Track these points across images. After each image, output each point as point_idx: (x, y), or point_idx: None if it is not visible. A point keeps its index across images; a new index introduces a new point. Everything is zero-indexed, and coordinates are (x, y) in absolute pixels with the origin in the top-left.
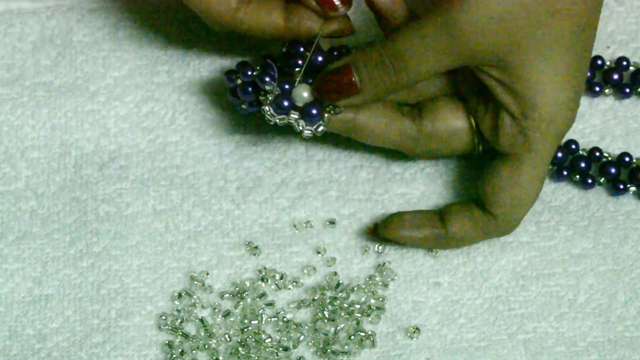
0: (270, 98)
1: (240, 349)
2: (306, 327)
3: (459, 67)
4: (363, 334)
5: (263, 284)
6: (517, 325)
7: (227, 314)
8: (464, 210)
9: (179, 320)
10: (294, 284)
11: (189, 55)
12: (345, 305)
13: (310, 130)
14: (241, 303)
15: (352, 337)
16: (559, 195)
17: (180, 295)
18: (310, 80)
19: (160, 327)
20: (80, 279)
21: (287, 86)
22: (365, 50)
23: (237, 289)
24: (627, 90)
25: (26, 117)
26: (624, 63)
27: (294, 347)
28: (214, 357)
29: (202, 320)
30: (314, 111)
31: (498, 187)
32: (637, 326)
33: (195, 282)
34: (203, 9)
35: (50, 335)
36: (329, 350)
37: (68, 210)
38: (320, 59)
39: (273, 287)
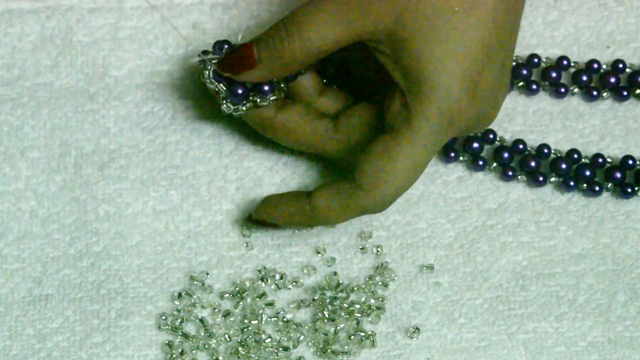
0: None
1: (240, 349)
2: (306, 327)
3: (353, 41)
4: (363, 334)
5: (263, 284)
6: (517, 325)
7: (227, 314)
8: (331, 184)
9: (179, 320)
10: (294, 284)
11: (189, 55)
12: (345, 305)
13: (229, 107)
14: (241, 303)
15: (352, 337)
16: (558, 195)
17: (180, 295)
18: None
19: (160, 327)
20: (80, 279)
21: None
22: (268, 29)
23: (237, 289)
24: (625, 93)
25: (26, 117)
26: (620, 65)
27: (294, 347)
28: (214, 357)
29: (202, 320)
30: (240, 91)
31: (368, 156)
32: (637, 326)
33: (195, 282)
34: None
35: (50, 335)
36: (329, 350)
37: (68, 210)
38: (266, 88)
39: (273, 287)
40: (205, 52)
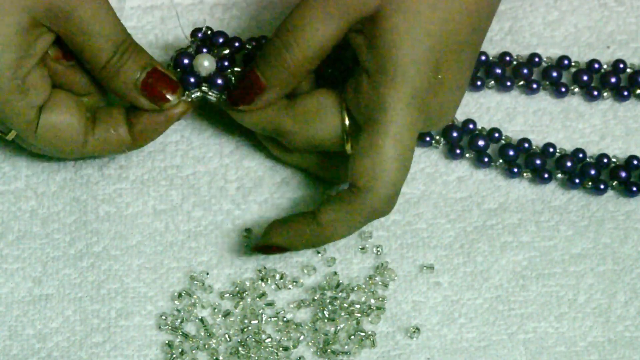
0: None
1: (240, 349)
2: (306, 327)
3: (347, 30)
4: (363, 334)
5: (263, 284)
6: (517, 325)
7: (227, 314)
8: (332, 197)
9: (179, 320)
10: (294, 283)
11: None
12: (345, 305)
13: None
14: (241, 303)
15: (352, 337)
16: (559, 195)
17: (180, 295)
18: (205, 50)
19: (160, 327)
20: (80, 279)
21: (186, 60)
22: (263, 47)
23: (237, 289)
24: (625, 93)
25: None
26: (621, 65)
27: (294, 347)
28: (214, 357)
29: (202, 320)
30: (191, 79)
31: (358, 156)
32: (637, 326)
33: (195, 282)
34: (52, 150)
35: (50, 335)
36: (329, 350)
37: (68, 210)
38: (219, 81)
39: (273, 287)
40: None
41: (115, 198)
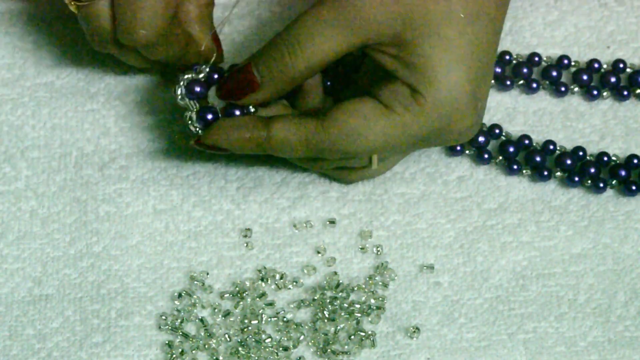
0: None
1: (240, 349)
2: (306, 327)
3: (356, 48)
4: (363, 334)
5: (263, 284)
6: (517, 325)
7: (227, 314)
8: (292, 117)
9: (179, 320)
10: (294, 284)
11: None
12: (345, 305)
13: (196, 128)
14: (241, 303)
15: (352, 337)
16: (559, 195)
17: (180, 295)
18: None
19: (160, 327)
20: (80, 279)
21: (197, 89)
22: (264, 46)
23: (237, 288)
24: (625, 93)
25: (27, 117)
26: (621, 65)
27: (294, 347)
28: (214, 357)
29: (202, 320)
30: (209, 116)
31: (350, 108)
32: (637, 326)
33: (195, 282)
34: (132, 24)
35: (50, 335)
36: (329, 350)
37: (68, 210)
38: (237, 112)
39: (273, 287)
40: (184, 71)
41: (115, 198)
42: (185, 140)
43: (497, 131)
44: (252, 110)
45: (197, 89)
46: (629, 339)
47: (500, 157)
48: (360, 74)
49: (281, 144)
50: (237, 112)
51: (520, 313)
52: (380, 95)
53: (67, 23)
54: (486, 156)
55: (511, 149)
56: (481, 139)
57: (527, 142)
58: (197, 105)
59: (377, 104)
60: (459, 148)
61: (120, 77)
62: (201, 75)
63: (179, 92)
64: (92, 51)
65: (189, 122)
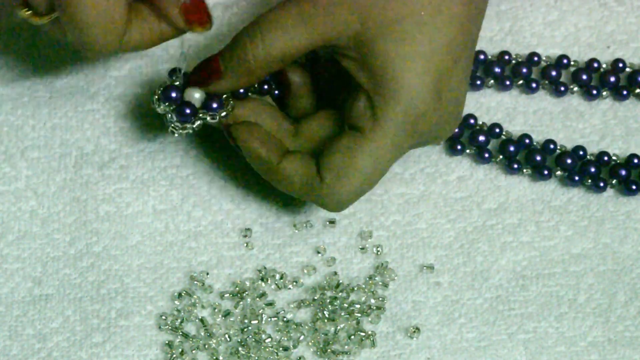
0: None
1: (240, 349)
2: (306, 327)
3: (317, 46)
4: (363, 334)
5: (263, 284)
6: (517, 325)
7: (227, 314)
8: (307, 158)
9: (179, 320)
10: (294, 284)
11: (189, 55)
12: (345, 305)
13: (177, 127)
14: (241, 303)
15: (352, 337)
16: (559, 195)
17: (180, 295)
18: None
19: (160, 327)
20: (80, 279)
21: (174, 94)
22: (233, 37)
23: (237, 288)
24: (625, 92)
25: (26, 117)
26: (620, 65)
27: (294, 347)
28: (214, 357)
29: (202, 320)
30: (187, 111)
31: (333, 152)
32: (637, 326)
33: (195, 282)
34: (89, 39)
35: (50, 335)
36: (329, 350)
37: (68, 210)
38: (215, 105)
39: (273, 287)
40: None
41: (115, 198)
42: (185, 139)
43: (497, 130)
44: (231, 103)
45: (173, 94)
46: (629, 339)
47: (501, 157)
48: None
49: (285, 179)
50: (215, 105)
51: (520, 313)
52: (349, 119)
53: None
54: (486, 155)
55: (511, 148)
56: (482, 138)
57: (527, 141)
58: (172, 108)
59: (350, 136)
60: (459, 147)
61: (120, 77)
62: (177, 83)
63: (155, 98)
64: None
65: (170, 124)
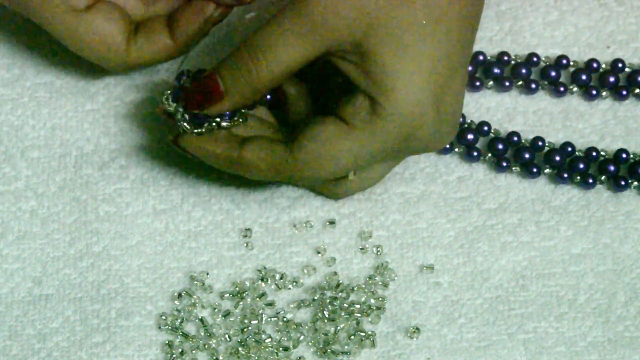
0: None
1: (240, 349)
2: (306, 327)
3: (320, 55)
4: (363, 334)
5: (263, 284)
6: (517, 325)
7: (227, 314)
8: (265, 141)
9: (179, 320)
10: (294, 284)
11: (189, 55)
12: (345, 305)
13: (187, 128)
14: (241, 303)
15: (352, 337)
16: (559, 195)
17: (180, 295)
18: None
19: (160, 327)
20: (80, 279)
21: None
22: (228, 55)
23: (237, 288)
24: (624, 92)
25: (26, 117)
26: (620, 65)
27: (294, 347)
28: (214, 357)
29: (202, 320)
30: (200, 115)
31: (314, 133)
32: (637, 326)
33: (195, 282)
34: (96, 58)
35: (50, 335)
36: (329, 350)
37: (68, 210)
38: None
39: (273, 287)
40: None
41: (115, 198)
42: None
43: (485, 128)
44: (243, 111)
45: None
46: (629, 339)
47: (489, 155)
48: (324, 85)
49: (250, 167)
50: (201, 115)
51: (520, 313)
52: (341, 112)
53: None
54: (475, 154)
55: (500, 146)
56: (470, 136)
57: (515, 138)
58: (183, 108)
59: (338, 124)
60: (447, 146)
61: (120, 77)
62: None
63: (164, 99)
64: None
65: (180, 122)
